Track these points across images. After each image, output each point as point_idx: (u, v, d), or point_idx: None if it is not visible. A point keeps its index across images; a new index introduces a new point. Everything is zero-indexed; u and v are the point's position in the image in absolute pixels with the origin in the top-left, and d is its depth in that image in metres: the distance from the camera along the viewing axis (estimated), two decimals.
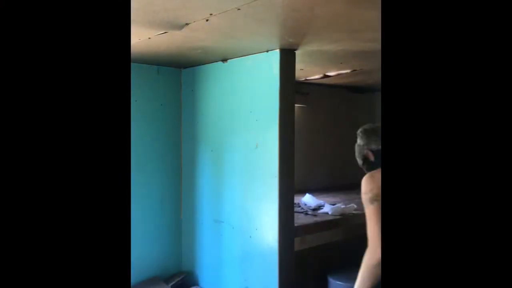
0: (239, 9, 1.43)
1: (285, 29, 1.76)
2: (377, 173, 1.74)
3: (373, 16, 1.48)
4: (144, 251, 2.72)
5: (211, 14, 1.51)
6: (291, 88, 2.19)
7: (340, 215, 2.69)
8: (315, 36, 1.85)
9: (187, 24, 1.65)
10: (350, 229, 2.72)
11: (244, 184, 2.40)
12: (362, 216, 1.70)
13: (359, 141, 1.95)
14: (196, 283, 2.81)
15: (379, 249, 1.55)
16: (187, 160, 2.85)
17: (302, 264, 2.53)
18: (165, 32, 1.79)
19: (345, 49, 2.10)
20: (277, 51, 2.12)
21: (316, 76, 3.11)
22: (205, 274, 2.76)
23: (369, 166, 1.93)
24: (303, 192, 3.40)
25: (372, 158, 1.91)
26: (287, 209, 2.20)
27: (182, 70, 2.85)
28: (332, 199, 3.20)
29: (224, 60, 2.48)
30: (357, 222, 2.48)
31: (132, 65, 2.55)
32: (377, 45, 1.94)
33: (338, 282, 2.55)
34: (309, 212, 2.75)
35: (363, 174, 1.85)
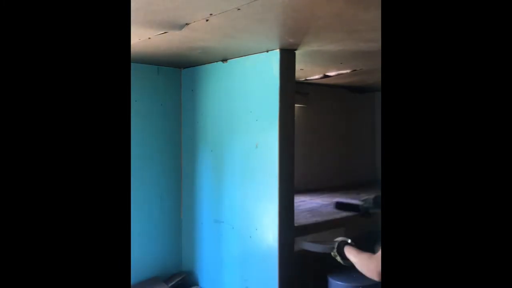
0: (239, 9, 1.43)
1: (285, 29, 1.76)
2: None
3: (373, 16, 1.48)
4: (144, 251, 2.72)
5: (211, 14, 1.51)
6: (291, 88, 2.19)
7: None
8: (315, 36, 1.84)
9: (187, 24, 1.65)
10: (351, 229, 2.72)
11: (244, 184, 2.40)
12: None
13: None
14: (196, 283, 2.81)
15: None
16: (187, 160, 2.85)
17: (302, 264, 2.53)
18: (165, 32, 1.79)
19: (345, 49, 2.10)
20: (277, 51, 2.12)
21: (316, 76, 3.11)
22: (205, 274, 2.76)
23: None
24: (303, 192, 3.40)
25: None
26: (287, 209, 2.20)
27: (182, 70, 2.85)
28: (332, 199, 3.20)
29: (224, 60, 2.48)
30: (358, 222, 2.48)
31: (132, 65, 2.55)
32: (377, 45, 1.93)
33: (338, 282, 2.55)
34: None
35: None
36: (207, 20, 1.58)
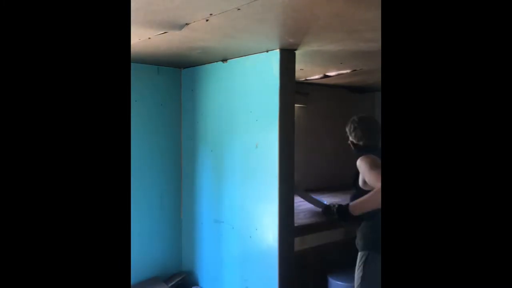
0: (239, 9, 1.43)
1: (285, 29, 1.76)
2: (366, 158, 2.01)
3: (373, 16, 1.48)
4: (144, 251, 2.73)
5: (211, 14, 1.51)
6: (291, 88, 2.19)
7: None
8: (315, 36, 1.84)
9: (187, 24, 1.65)
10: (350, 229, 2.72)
11: (244, 184, 2.40)
12: None
13: (348, 128, 2.30)
14: (196, 283, 2.81)
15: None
16: (187, 160, 2.85)
17: (302, 264, 2.53)
18: (165, 32, 1.79)
19: (345, 49, 2.10)
20: (277, 51, 2.12)
21: (316, 76, 3.11)
22: (205, 274, 2.76)
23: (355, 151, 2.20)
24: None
25: (352, 148, 2.27)
26: (287, 209, 2.20)
27: (182, 70, 2.85)
28: (332, 199, 3.20)
29: (224, 60, 2.48)
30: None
31: (132, 65, 2.55)
32: (377, 45, 1.93)
33: (338, 282, 2.56)
34: None
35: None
36: (207, 20, 1.58)
